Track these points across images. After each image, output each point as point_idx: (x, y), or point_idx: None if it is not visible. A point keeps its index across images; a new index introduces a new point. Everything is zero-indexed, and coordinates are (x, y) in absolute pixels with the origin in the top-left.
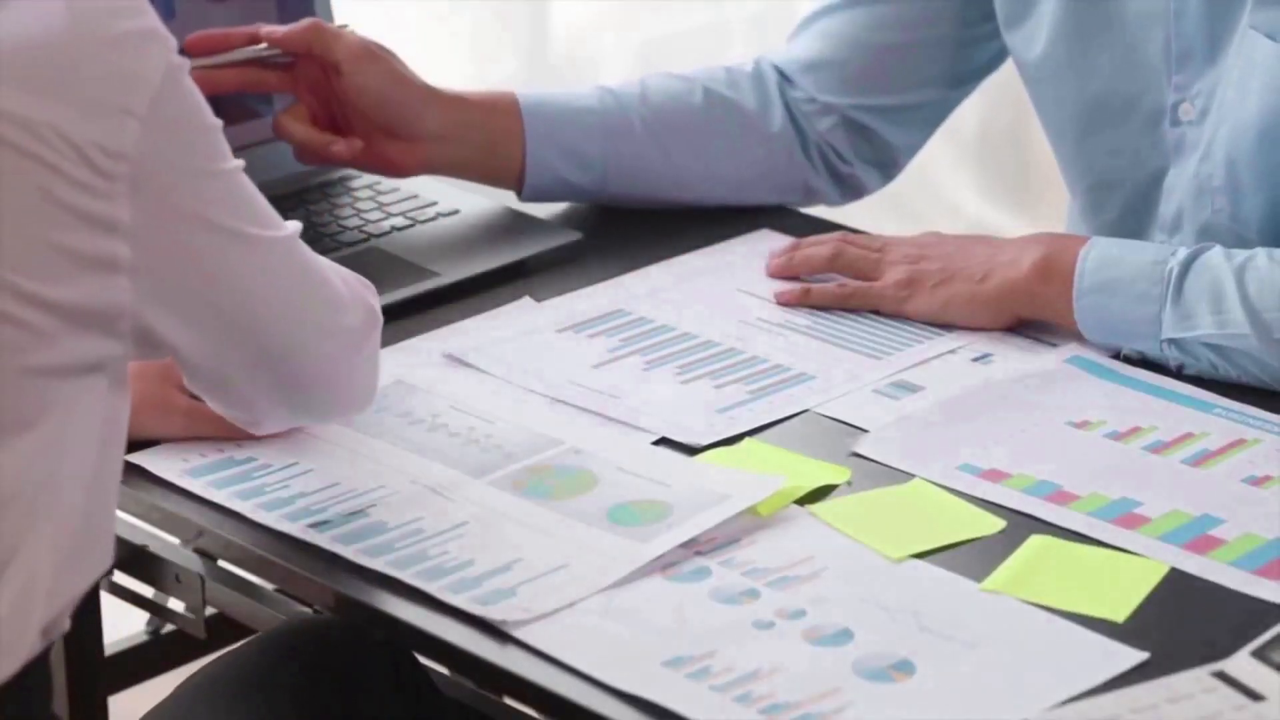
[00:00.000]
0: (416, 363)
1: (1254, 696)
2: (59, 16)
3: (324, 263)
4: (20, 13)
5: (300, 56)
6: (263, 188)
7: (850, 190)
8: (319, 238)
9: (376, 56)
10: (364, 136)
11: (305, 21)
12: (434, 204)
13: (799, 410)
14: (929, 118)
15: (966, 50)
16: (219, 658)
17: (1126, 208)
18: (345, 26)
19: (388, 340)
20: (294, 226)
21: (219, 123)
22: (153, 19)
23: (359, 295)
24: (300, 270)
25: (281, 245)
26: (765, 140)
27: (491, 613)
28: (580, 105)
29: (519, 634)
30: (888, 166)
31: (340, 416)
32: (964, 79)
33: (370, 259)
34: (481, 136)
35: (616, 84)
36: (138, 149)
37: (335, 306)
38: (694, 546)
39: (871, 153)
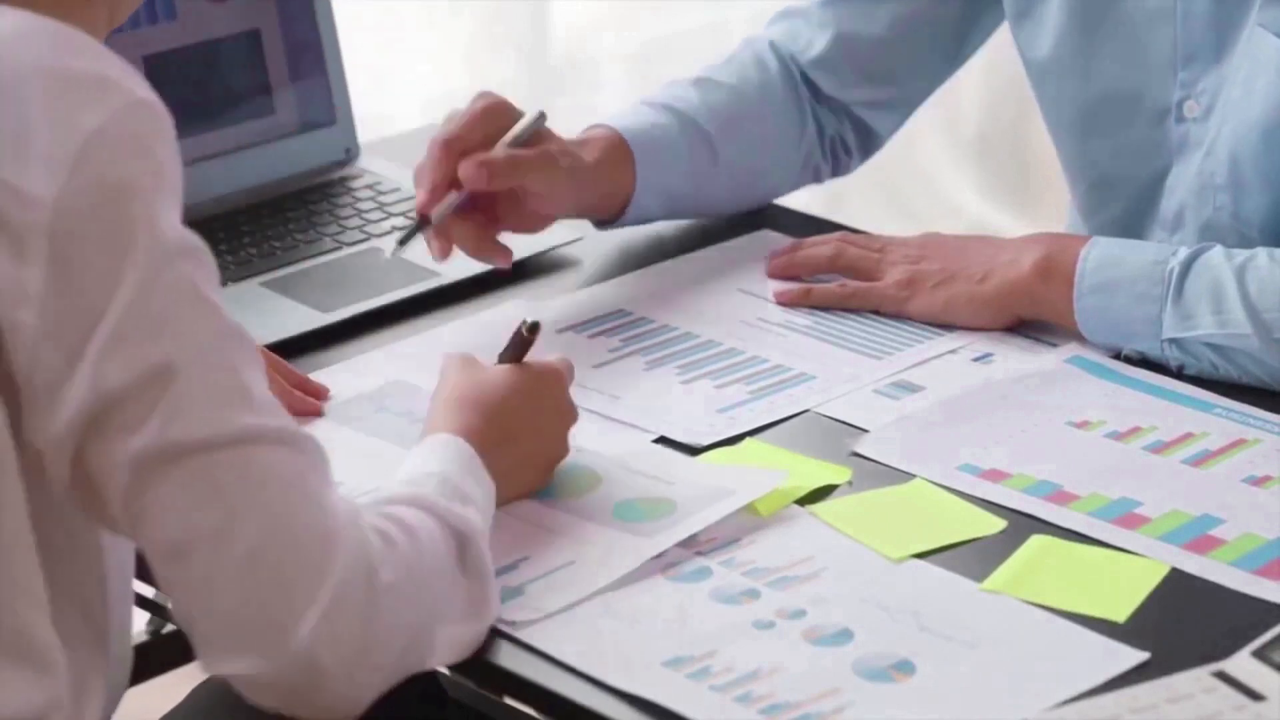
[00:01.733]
0: (416, 363)
1: (1254, 696)
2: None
3: (319, 479)
4: None
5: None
6: (261, 189)
7: (836, 171)
8: (319, 238)
9: (562, 170)
10: (504, 214)
11: (500, 158)
12: None
13: (799, 410)
14: (918, 102)
15: (966, 37)
16: None
17: (1128, 205)
18: (541, 118)
19: (388, 340)
20: (282, 426)
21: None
22: (107, 65)
23: (358, 539)
24: (251, 473)
25: (234, 426)
26: (803, 152)
27: (501, 613)
28: (675, 144)
29: (519, 634)
30: (871, 151)
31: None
32: (958, 62)
33: (371, 259)
34: (603, 198)
35: (687, 103)
36: (60, 201)
37: (314, 540)
38: (694, 546)
39: (859, 141)
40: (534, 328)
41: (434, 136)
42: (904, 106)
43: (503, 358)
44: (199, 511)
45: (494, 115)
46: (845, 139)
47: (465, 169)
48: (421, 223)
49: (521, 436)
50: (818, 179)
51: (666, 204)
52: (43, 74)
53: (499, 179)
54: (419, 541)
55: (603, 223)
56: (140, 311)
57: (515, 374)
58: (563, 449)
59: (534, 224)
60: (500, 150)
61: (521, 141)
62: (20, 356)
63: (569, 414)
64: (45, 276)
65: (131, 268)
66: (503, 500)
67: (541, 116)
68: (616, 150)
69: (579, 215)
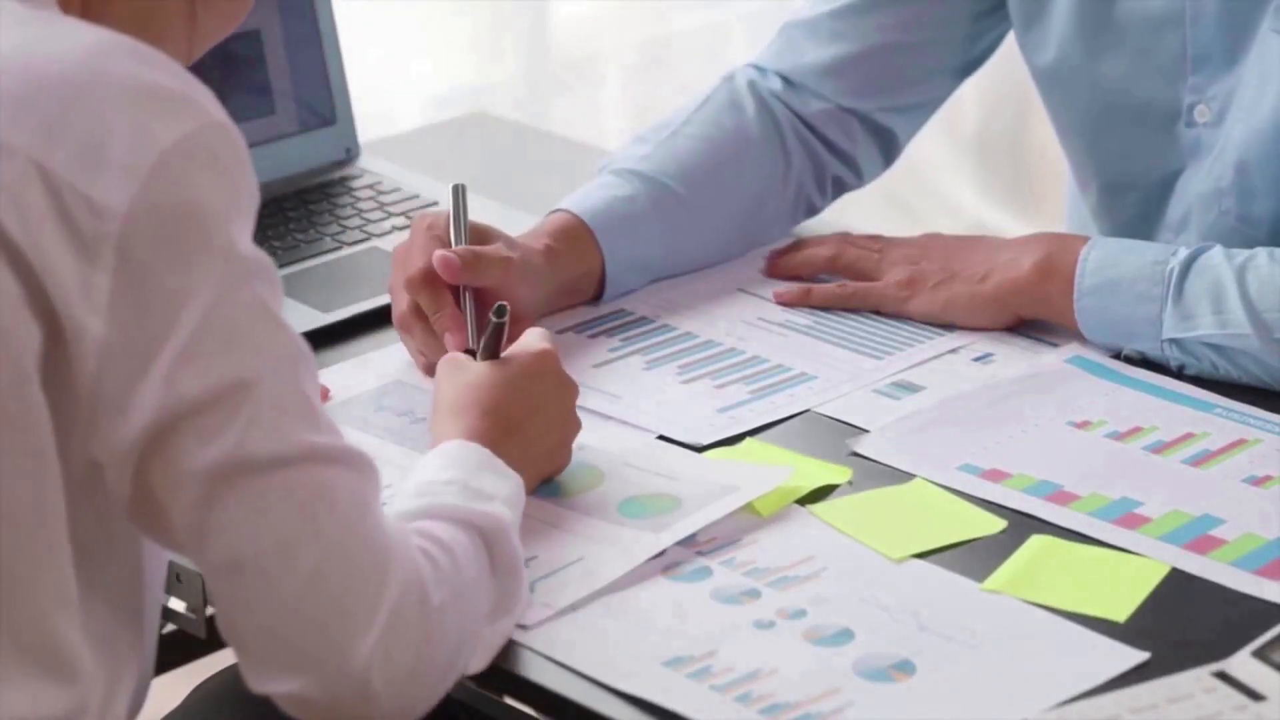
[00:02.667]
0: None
1: (1254, 696)
2: (83, 48)
3: (373, 504)
4: (48, 34)
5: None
6: (262, 188)
7: (844, 192)
8: (319, 238)
9: (517, 266)
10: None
11: (465, 253)
12: (434, 203)
13: (799, 410)
14: (935, 107)
15: (978, 39)
16: (232, 666)
17: (1141, 208)
18: (457, 192)
19: (388, 340)
20: (345, 446)
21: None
22: (188, 85)
23: (411, 562)
24: (318, 492)
25: (298, 452)
26: (791, 192)
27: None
28: (643, 215)
29: (520, 634)
30: (892, 157)
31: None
32: (973, 66)
33: (371, 259)
34: (570, 282)
35: (654, 163)
36: (131, 212)
37: (373, 563)
38: (694, 546)
39: (881, 153)
40: (501, 311)
41: (409, 277)
42: (921, 110)
43: (483, 354)
44: (266, 528)
45: (439, 230)
46: (856, 161)
47: (444, 266)
48: (500, 330)
49: (525, 425)
50: (813, 211)
51: (646, 274)
52: (123, 85)
53: (471, 272)
54: (457, 558)
55: (583, 303)
56: (216, 325)
57: (503, 366)
58: (572, 424)
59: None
60: (461, 249)
61: (467, 229)
62: (88, 364)
63: (568, 390)
64: (114, 285)
65: (206, 281)
66: (530, 488)
67: (459, 190)
68: (574, 233)
69: (550, 306)
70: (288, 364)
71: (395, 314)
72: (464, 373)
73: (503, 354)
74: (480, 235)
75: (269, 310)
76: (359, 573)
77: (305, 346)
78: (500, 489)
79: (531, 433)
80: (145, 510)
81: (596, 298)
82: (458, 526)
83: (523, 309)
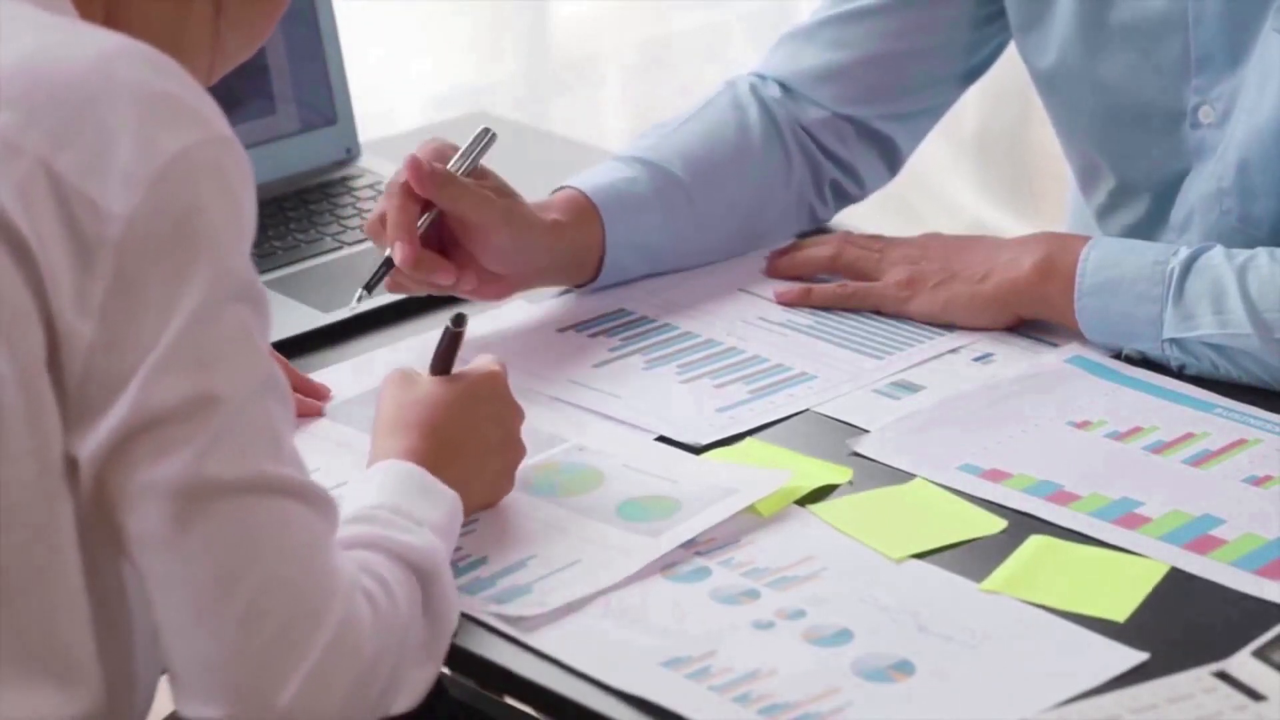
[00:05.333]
0: (418, 363)
1: (1254, 696)
2: (97, 53)
3: (323, 537)
4: (64, 39)
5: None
6: (262, 188)
7: (847, 202)
8: (319, 238)
9: (506, 208)
10: (462, 264)
11: (437, 171)
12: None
13: (799, 410)
14: (937, 116)
15: (978, 47)
16: None
17: (1146, 210)
18: (485, 136)
19: (388, 340)
20: (306, 482)
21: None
22: (199, 99)
23: (351, 610)
24: (270, 524)
25: (252, 479)
26: (793, 194)
27: (508, 610)
28: (646, 197)
29: (520, 634)
30: (894, 171)
31: None
32: (974, 74)
33: (371, 259)
34: (572, 257)
35: (659, 151)
36: (133, 219)
37: (312, 606)
38: (693, 546)
39: (882, 161)
40: (459, 320)
41: (390, 180)
42: (922, 117)
43: (434, 365)
44: (213, 553)
45: (442, 156)
46: (855, 168)
47: (410, 170)
48: (389, 265)
49: (465, 449)
50: (816, 219)
51: (646, 259)
52: (133, 91)
53: (435, 187)
54: (396, 600)
55: (582, 285)
56: (195, 338)
57: (448, 386)
58: (516, 451)
59: (494, 288)
60: (437, 167)
61: (472, 168)
62: (75, 365)
63: (513, 415)
64: (108, 291)
65: (192, 294)
66: (466, 514)
67: (485, 134)
68: (579, 208)
69: (549, 279)
70: (259, 392)
71: (370, 219)
72: (409, 389)
73: (452, 373)
74: (478, 175)
75: (250, 335)
76: (298, 612)
77: (282, 380)
78: (432, 513)
79: (470, 456)
80: (100, 517)
81: (593, 277)
82: (397, 563)
83: (498, 260)
